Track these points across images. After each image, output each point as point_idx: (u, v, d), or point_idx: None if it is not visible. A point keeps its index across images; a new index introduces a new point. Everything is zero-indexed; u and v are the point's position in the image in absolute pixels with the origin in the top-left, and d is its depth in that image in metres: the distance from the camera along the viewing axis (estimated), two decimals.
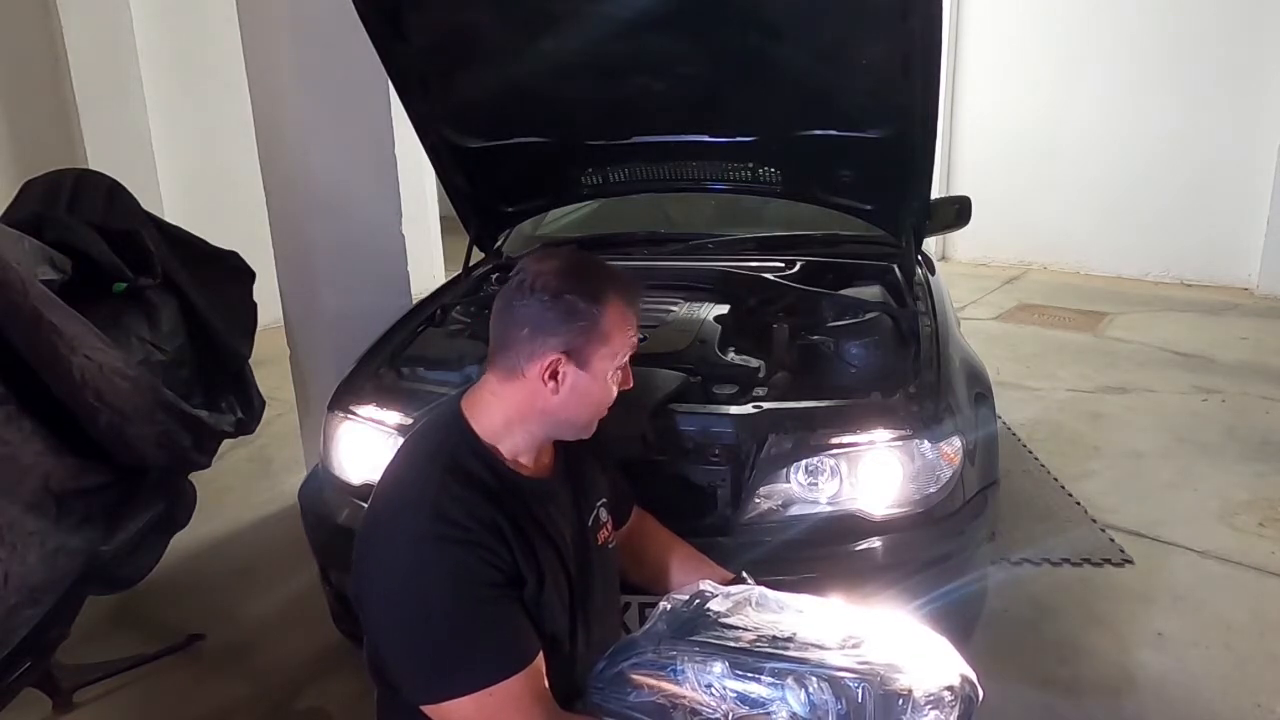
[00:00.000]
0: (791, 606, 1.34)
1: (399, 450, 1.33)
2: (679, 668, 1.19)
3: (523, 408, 1.27)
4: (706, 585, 1.38)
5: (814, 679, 1.15)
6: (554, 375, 1.24)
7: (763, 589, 1.38)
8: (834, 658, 1.19)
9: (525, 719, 1.16)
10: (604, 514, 1.44)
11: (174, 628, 2.51)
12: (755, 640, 1.23)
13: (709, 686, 1.18)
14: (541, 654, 1.20)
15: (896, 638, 1.27)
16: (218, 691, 2.31)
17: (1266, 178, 5.86)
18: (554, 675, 1.22)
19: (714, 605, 1.32)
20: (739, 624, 1.27)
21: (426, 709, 1.17)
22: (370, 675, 1.28)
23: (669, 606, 1.34)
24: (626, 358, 1.31)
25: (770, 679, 1.16)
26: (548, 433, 1.31)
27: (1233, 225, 6.10)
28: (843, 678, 1.15)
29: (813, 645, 1.22)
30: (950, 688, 1.19)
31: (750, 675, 1.17)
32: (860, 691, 1.14)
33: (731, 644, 1.22)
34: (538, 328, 1.24)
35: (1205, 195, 6.19)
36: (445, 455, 1.24)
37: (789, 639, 1.23)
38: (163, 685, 2.33)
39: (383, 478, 1.29)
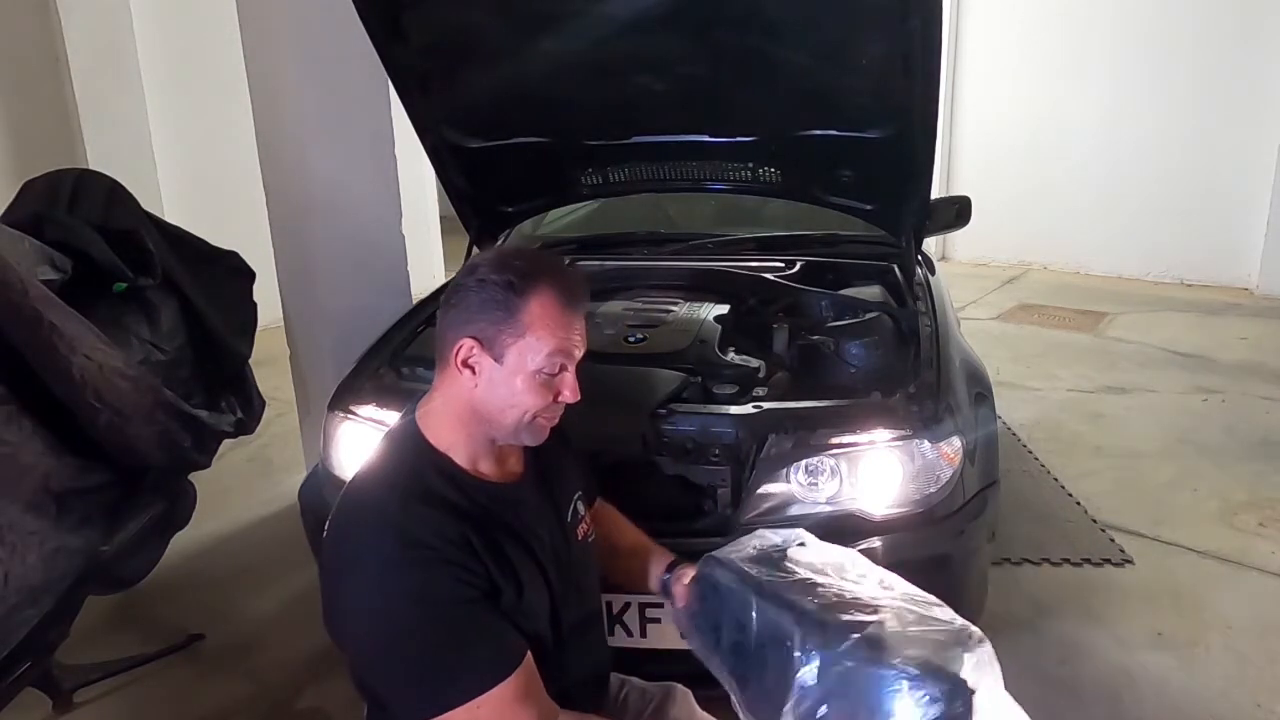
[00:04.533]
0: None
1: (358, 474, 1.27)
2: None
3: (457, 405, 1.24)
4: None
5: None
6: (467, 363, 1.21)
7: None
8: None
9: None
10: (581, 507, 1.41)
11: (174, 628, 2.51)
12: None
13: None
14: (529, 654, 1.17)
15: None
16: (218, 691, 2.31)
17: (1266, 178, 5.86)
18: (542, 674, 1.20)
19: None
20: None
21: None
22: (357, 690, 1.26)
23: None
24: (560, 363, 1.22)
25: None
26: (487, 434, 1.25)
27: (1233, 225, 6.10)
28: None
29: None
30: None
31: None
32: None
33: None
34: (458, 313, 1.22)
35: (1205, 195, 6.20)
36: (405, 476, 1.20)
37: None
38: (163, 685, 2.33)
39: (342, 503, 1.23)
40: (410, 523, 1.15)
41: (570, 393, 1.25)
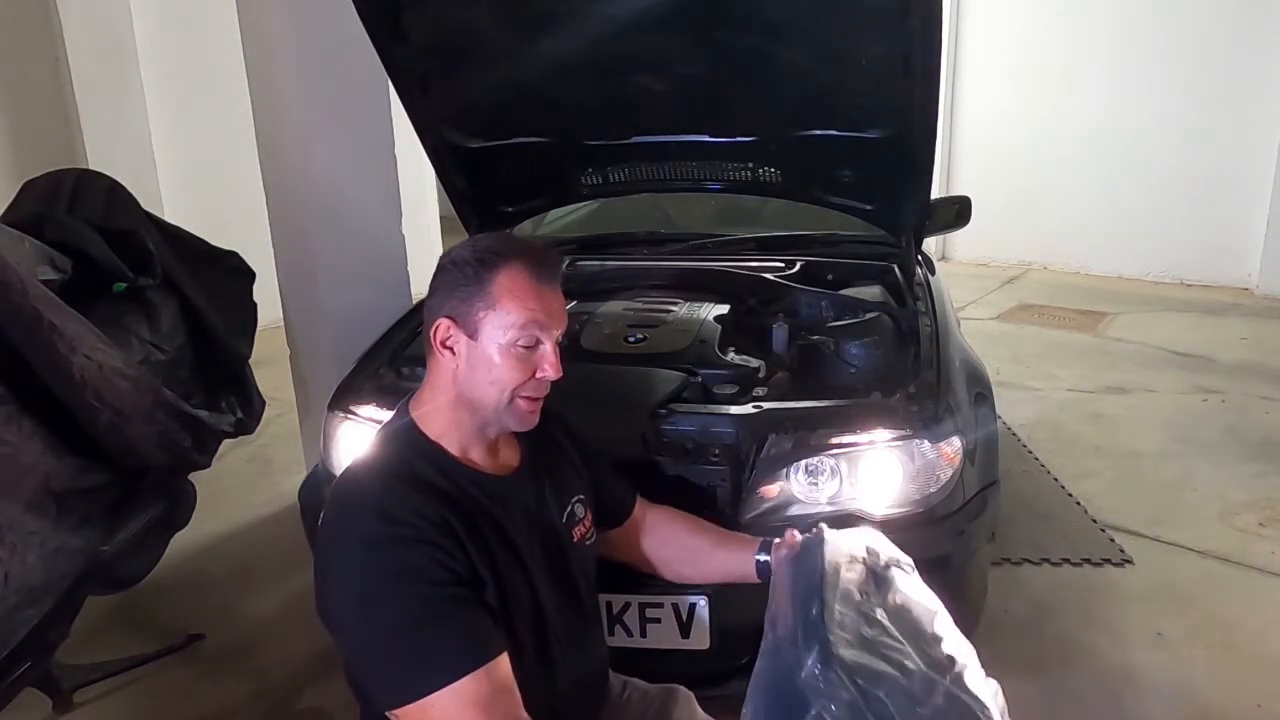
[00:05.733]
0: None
1: (350, 464, 1.27)
2: None
3: (444, 392, 1.25)
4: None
5: None
6: (446, 344, 1.23)
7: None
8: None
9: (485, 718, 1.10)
10: (580, 510, 1.40)
11: (174, 628, 2.51)
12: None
13: None
14: (505, 655, 1.14)
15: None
16: (218, 691, 2.31)
17: (1267, 178, 5.86)
18: (530, 678, 1.18)
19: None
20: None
21: (393, 715, 1.13)
22: (351, 689, 1.25)
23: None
24: (535, 336, 1.22)
25: None
26: (476, 420, 1.26)
27: (1233, 225, 6.10)
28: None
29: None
30: None
31: None
32: None
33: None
34: (434, 296, 1.25)
35: (1205, 195, 6.20)
36: (393, 462, 1.22)
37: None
38: (163, 685, 2.33)
39: (333, 491, 1.24)
40: (389, 501, 1.15)
41: (552, 368, 1.24)
